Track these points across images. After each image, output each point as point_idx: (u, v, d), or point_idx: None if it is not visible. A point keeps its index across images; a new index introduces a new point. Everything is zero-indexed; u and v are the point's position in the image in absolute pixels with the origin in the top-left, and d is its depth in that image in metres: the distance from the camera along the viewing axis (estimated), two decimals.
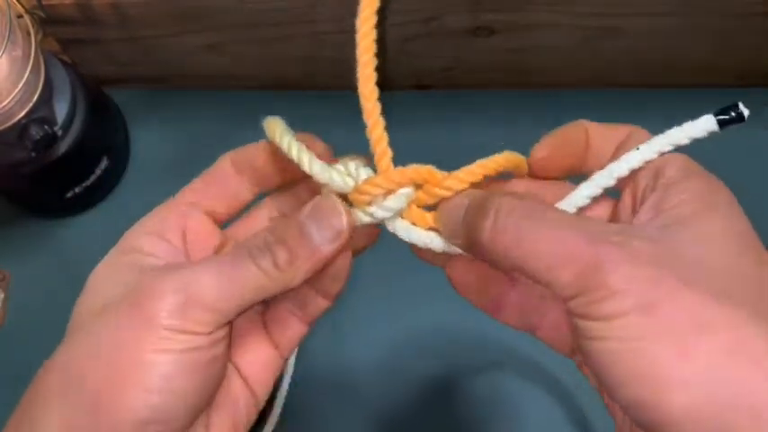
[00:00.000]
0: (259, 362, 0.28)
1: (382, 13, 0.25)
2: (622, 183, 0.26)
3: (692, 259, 0.21)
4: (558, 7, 0.47)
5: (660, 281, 0.20)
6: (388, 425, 0.47)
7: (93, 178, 0.51)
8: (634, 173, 0.25)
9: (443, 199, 0.26)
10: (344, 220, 0.26)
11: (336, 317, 0.48)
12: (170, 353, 0.23)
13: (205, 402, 0.25)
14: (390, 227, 0.27)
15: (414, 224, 0.27)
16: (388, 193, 0.26)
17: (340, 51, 0.52)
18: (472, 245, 0.24)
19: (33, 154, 0.46)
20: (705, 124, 0.24)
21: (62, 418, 0.23)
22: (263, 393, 0.28)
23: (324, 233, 0.25)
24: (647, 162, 0.25)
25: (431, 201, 0.27)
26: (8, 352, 0.50)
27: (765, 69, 0.52)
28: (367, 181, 0.26)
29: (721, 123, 0.24)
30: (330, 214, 0.26)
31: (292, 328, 0.29)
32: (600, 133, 0.27)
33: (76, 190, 0.51)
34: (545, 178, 0.28)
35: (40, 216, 0.53)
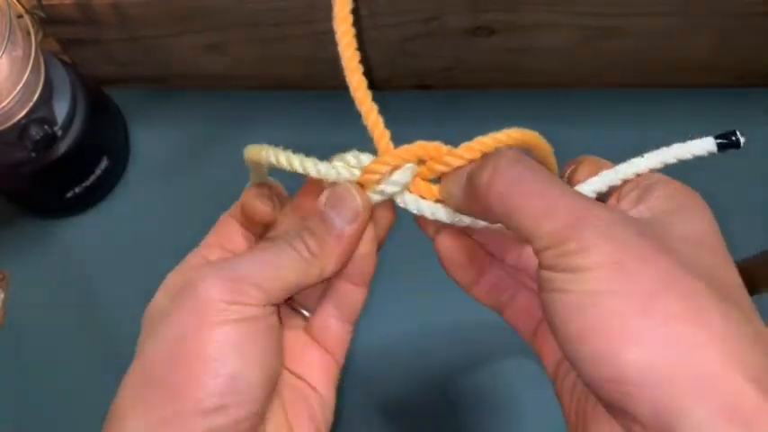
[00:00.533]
0: (316, 367, 0.30)
1: (357, 12, 0.28)
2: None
3: (663, 235, 0.22)
4: (558, 7, 0.47)
5: (632, 243, 0.21)
6: (398, 413, 0.47)
7: (93, 178, 0.51)
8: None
9: (444, 173, 0.28)
10: (358, 199, 0.28)
11: None
12: (229, 323, 0.25)
13: (273, 378, 0.27)
14: (400, 201, 0.28)
15: (421, 197, 0.28)
16: (395, 169, 0.28)
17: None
18: (471, 194, 0.25)
19: (33, 154, 0.46)
20: (706, 144, 0.26)
21: (141, 420, 0.24)
22: (329, 395, 0.30)
23: (343, 216, 0.27)
24: (651, 170, 0.26)
25: (431, 176, 0.28)
26: (8, 352, 0.50)
27: (765, 69, 0.52)
28: (375, 160, 0.28)
29: (720, 146, 0.25)
30: (345, 197, 0.28)
31: (337, 330, 0.30)
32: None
33: (76, 190, 0.51)
34: None
35: (40, 216, 0.53)
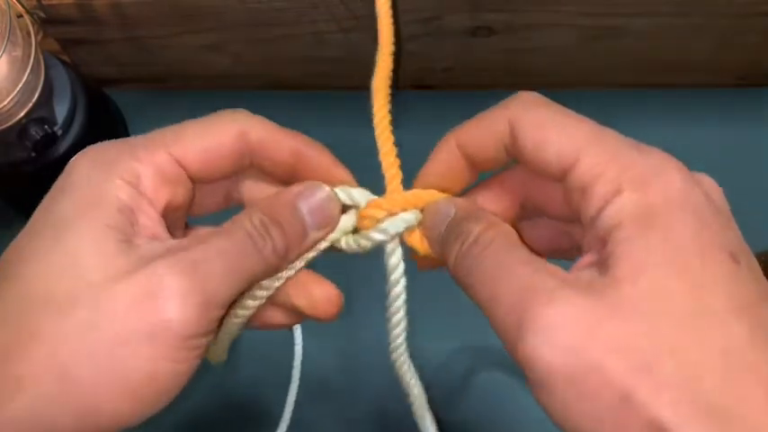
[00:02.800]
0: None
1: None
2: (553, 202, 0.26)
3: (625, 307, 0.20)
4: (558, 7, 0.47)
5: (581, 350, 0.20)
6: (395, 427, 0.47)
7: None
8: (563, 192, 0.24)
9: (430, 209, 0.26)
10: (337, 206, 0.26)
11: (341, 321, 0.48)
12: (184, 362, 0.23)
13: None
14: (389, 251, 0.27)
15: (413, 246, 0.27)
16: (390, 216, 0.27)
17: (340, 51, 0.52)
18: (444, 261, 0.25)
19: (33, 154, 0.46)
20: None
21: None
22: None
23: (315, 218, 0.26)
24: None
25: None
26: None
27: (765, 69, 0.52)
28: (371, 203, 0.26)
29: None
30: (322, 199, 0.26)
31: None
32: (475, 142, 0.26)
33: None
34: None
35: None
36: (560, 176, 0.23)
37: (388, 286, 0.27)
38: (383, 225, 0.26)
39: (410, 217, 0.27)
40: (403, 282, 0.27)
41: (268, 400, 0.46)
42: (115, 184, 0.24)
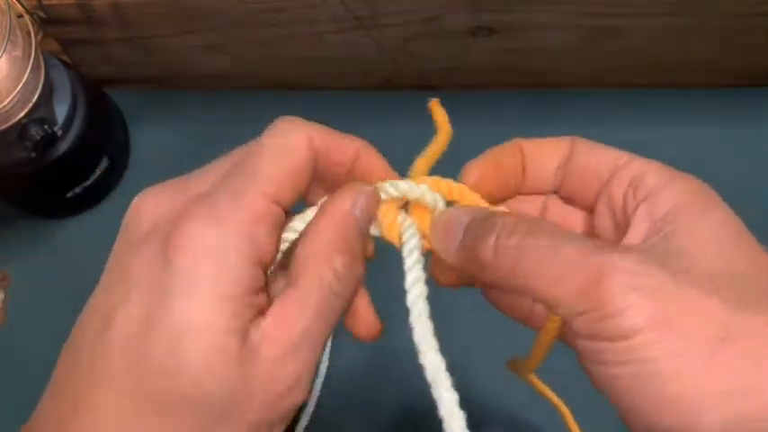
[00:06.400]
0: None
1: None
2: (589, 201, 0.26)
3: (700, 266, 0.20)
4: (558, 7, 0.47)
5: (668, 290, 0.19)
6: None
7: (93, 178, 0.51)
8: (606, 187, 0.25)
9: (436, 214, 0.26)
10: (377, 202, 0.26)
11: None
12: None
13: None
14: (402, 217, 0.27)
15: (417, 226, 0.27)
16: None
17: (340, 51, 0.52)
18: (473, 265, 0.23)
19: (33, 154, 0.46)
20: None
21: None
22: None
23: (367, 223, 0.26)
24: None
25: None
26: (8, 352, 0.50)
27: (765, 69, 0.52)
28: (392, 180, 0.26)
29: None
30: (372, 204, 0.26)
31: None
32: (537, 151, 0.26)
33: (76, 190, 0.51)
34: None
35: (40, 216, 0.53)
36: (609, 172, 0.25)
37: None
38: (401, 184, 0.26)
39: (425, 188, 0.26)
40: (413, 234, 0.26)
41: None
42: (247, 276, 0.22)
